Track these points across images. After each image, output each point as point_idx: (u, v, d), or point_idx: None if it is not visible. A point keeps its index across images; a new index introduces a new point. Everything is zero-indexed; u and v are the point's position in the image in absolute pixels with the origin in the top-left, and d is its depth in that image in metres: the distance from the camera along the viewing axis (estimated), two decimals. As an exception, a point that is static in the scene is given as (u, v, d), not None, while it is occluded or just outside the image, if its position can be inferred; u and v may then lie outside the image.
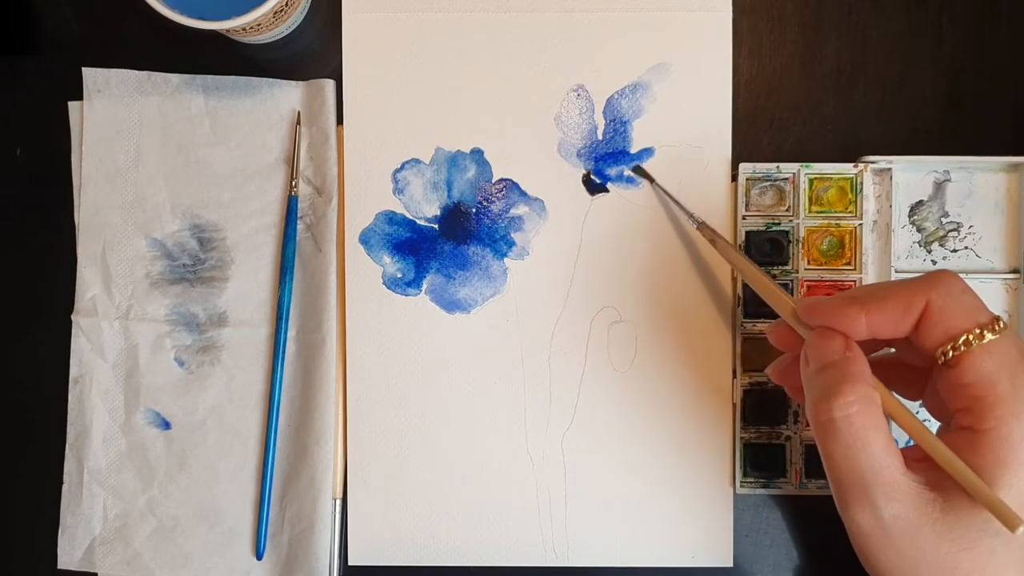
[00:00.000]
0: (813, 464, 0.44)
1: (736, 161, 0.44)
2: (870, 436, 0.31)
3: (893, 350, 0.37)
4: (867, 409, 0.31)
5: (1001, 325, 0.31)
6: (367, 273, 0.45)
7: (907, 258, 0.44)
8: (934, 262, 0.44)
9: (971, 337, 0.31)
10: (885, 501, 0.31)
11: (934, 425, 0.36)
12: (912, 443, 0.33)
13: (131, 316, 0.45)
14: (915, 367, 0.35)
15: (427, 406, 0.45)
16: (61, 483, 0.45)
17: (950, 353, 0.31)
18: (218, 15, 0.39)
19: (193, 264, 0.45)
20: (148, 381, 0.45)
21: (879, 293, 0.33)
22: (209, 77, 0.45)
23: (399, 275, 0.45)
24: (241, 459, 0.45)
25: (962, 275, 0.42)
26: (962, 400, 0.32)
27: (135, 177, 0.45)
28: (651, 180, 0.44)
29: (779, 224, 0.44)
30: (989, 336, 0.31)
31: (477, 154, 0.45)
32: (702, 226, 0.42)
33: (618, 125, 0.45)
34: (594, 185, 0.45)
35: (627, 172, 0.44)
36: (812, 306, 0.34)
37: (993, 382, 0.31)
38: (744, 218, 0.43)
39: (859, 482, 0.31)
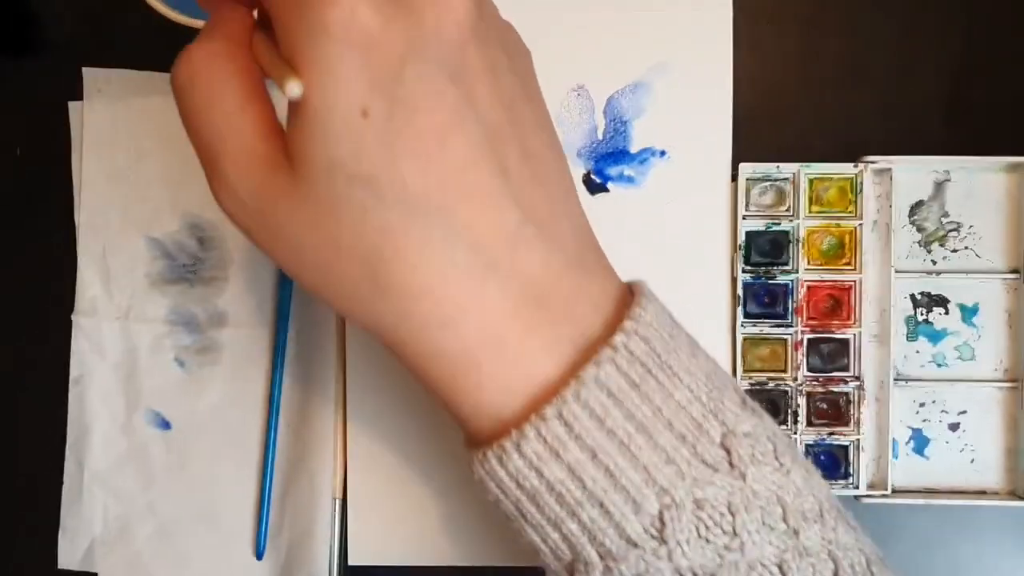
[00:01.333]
0: (812, 464, 0.43)
1: (736, 161, 0.44)
2: (216, 94, 0.26)
3: None
4: (215, 63, 0.26)
5: None
6: (367, 273, 0.45)
7: (907, 258, 0.44)
8: (934, 262, 0.44)
9: None
10: (234, 169, 0.26)
11: None
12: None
13: (131, 316, 0.45)
14: None
15: (427, 405, 0.45)
16: (61, 483, 0.45)
17: None
18: (218, 15, 0.39)
19: (193, 264, 0.45)
20: (148, 381, 0.45)
21: None
22: (209, 77, 0.45)
23: (399, 275, 0.45)
24: (241, 459, 0.45)
25: (962, 275, 0.44)
26: None
27: (135, 177, 0.45)
28: None
29: (779, 224, 0.43)
30: None
31: (477, 154, 0.45)
32: None
33: (619, 124, 0.44)
34: (594, 185, 0.45)
35: None
36: None
37: None
38: (744, 218, 0.43)
39: (211, 151, 0.27)
